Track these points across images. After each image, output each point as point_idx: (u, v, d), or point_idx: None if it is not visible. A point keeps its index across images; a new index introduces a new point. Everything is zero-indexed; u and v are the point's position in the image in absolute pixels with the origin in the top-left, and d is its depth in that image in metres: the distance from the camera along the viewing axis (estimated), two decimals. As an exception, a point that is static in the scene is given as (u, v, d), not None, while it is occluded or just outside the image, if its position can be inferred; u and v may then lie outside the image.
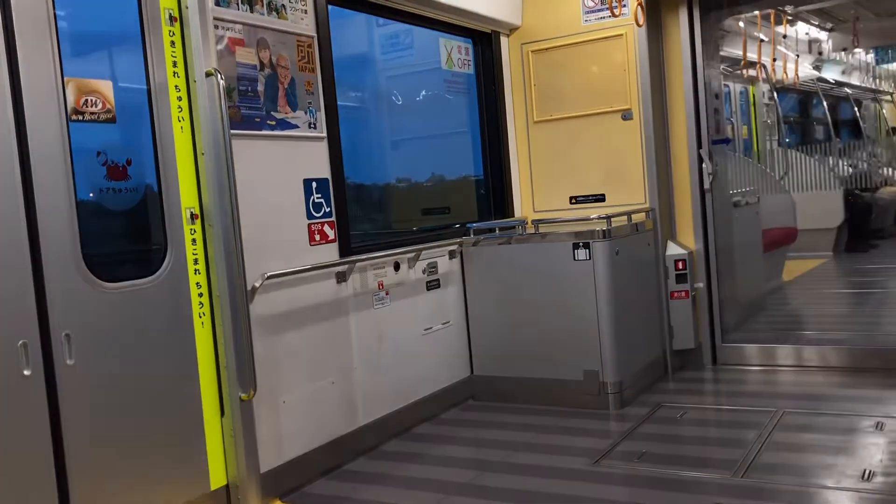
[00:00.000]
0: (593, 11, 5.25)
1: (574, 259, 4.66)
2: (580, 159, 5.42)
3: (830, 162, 9.99)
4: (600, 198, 5.37)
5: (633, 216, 4.98)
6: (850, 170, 10.17)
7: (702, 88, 5.32)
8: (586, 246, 4.61)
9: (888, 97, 13.30)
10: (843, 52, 11.27)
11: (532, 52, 5.50)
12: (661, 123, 5.33)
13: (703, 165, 5.32)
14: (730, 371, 5.29)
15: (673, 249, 5.33)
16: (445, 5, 4.88)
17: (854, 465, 3.47)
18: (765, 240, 6.86)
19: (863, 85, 12.57)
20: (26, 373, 2.75)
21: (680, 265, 5.28)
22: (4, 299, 2.70)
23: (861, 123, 12.14)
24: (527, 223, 5.20)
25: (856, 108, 12.24)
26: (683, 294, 5.29)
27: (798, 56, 8.93)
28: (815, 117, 12.04)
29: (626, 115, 5.24)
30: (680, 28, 5.30)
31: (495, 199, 5.57)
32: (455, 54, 5.36)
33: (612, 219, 4.72)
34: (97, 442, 2.97)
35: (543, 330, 4.78)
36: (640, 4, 4.79)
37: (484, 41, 5.49)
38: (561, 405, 4.72)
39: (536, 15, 5.48)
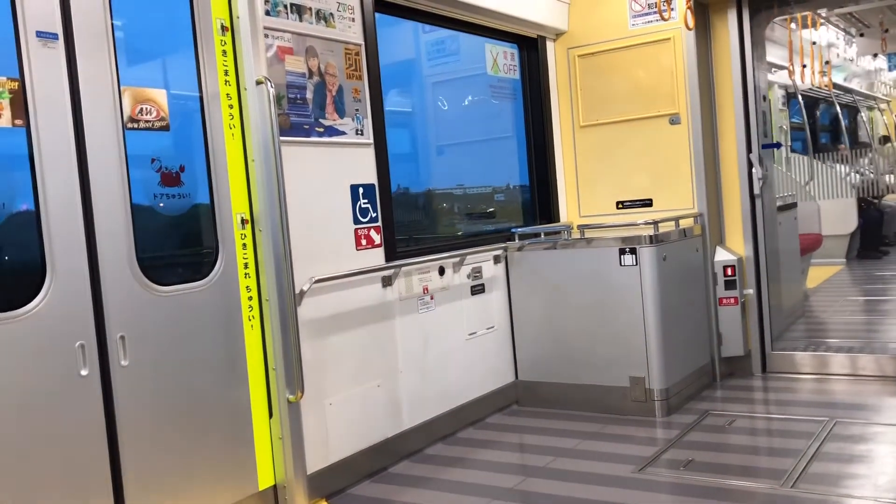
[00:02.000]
0: (640, 15, 5.22)
1: (620, 265, 4.63)
2: (627, 164, 5.38)
3: (843, 169, 10.11)
4: (647, 203, 5.33)
5: (680, 221, 4.92)
6: (858, 177, 10.27)
7: (752, 91, 5.25)
8: (633, 251, 4.58)
9: (884, 105, 13.21)
10: (861, 58, 11.25)
11: (578, 56, 5.49)
12: (709, 127, 5.27)
13: (753, 170, 5.24)
14: (780, 379, 5.19)
15: (722, 255, 5.25)
16: (492, 11, 4.90)
17: (909, 477, 3.39)
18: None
19: (865, 91, 12.50)
20: (83, 373, 2.84)
21: (729, 271, 5.21)
22: (64, 302, 2.80)
23: (867, 130, 12.15)
24: (572, 228, 5.18)
25: (862, 115, 12.25)
26: (732, 301, 5.21)
27: (829, 62, 8.87)
28: (823, 124, 11.97)
29: (674, 120, 5.19)
30: (729, 30, 5.24)
31: (541, 204, 5.57)
32: (501, 59, 5.37)
33: (660, 224, 4.68)
34: (150, 440, 3.05)
35: (589, 335, 4.76)
36: (689, 7, 4.75)
37: (530, 46, 5.49)
38: (606, 412, 4.69)
39: (583, 20, 5.46)
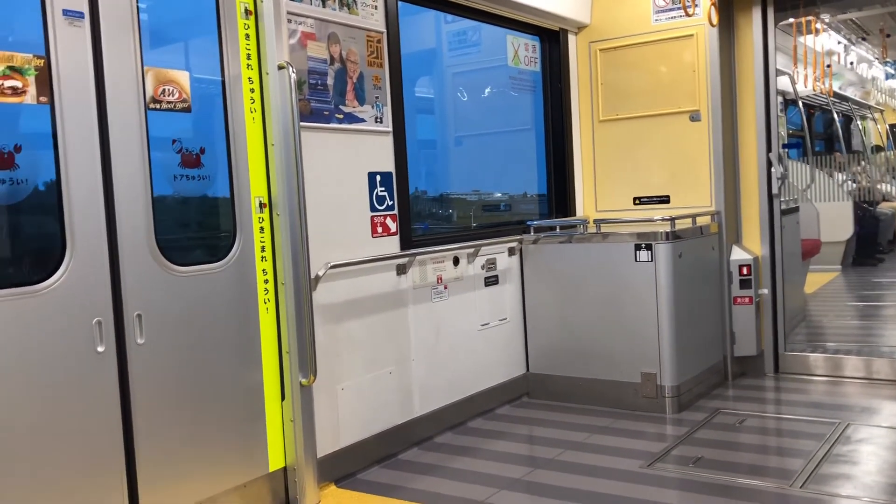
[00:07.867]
0: (664, 11, 5.20)
1: (636, 260, 4.62)
2: (645, 160, 5.37)
3: (841, 177, 10.13)
4: (665, 199, 5.31)
5: (697, 219, 4.91)
6: (853, 184, 10.30)
7: (773, 90, 5.21)
8: (648, 247, 4.57)
9: (877, 114, 13.17)
10: (858, 66, 11.29)
11: (600, 50, 5.47)
12: (730, 125, 5.24)
13: (773, 169, 5.21)
14: (792, 380, 5.17)
15: (738, 254, 5.23)
16: (515, 3, 4.89)
17: (919, 482, 3.37)
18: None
19: (860, 100, 12.49)
20: (100, 349, 2.88)
21: (744, 270, 5.18)
22: (82, 279, 2.83)
23: (861, 138, 12.17)
24: (588, 222, 5.18)
25: (857, 123, 12.27)
26: (747, 300, 5.19)
27: (830, 66, 8.86)
28: (818, 131, 11.99)
29: (695, 117, 5.17)
30: (753, 28, 5.20)
31: (557, 198, 5.56)
32: (522, 52, 5.36)
33: (676, 221, 4.66)
34: (163, 418, 3.08)
35: (601, 330, 4.76)
36: (713, 4, 4.73)
37: (552, 39, 5.48)
38: (616, 406, 4.69)
39: (606, 13, 5.44)
